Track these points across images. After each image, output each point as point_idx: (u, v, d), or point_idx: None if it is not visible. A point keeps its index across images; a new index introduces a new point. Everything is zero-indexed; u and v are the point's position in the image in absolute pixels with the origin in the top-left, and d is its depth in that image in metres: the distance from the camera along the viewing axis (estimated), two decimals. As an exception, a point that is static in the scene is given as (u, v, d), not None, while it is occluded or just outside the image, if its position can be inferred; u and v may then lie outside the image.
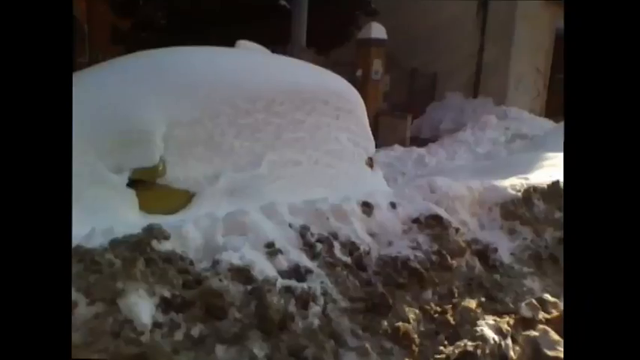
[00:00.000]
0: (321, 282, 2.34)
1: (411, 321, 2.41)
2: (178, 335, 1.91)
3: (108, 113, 3.03)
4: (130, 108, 3.07)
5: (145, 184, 3.00)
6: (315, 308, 2.20)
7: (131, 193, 2.92)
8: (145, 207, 2.96)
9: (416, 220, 2.94)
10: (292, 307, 2.16)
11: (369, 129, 4.27)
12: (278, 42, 7.09)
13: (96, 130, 2.94)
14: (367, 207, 2.86)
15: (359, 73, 9.33)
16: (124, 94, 3.17)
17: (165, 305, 1.95)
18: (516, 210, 3.30)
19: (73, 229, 2.43)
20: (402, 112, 9.58)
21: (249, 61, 4.14)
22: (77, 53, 8.96)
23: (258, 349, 1.98)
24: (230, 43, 4.59)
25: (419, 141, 8.99)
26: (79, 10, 9.81)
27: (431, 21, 10.88)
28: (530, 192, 3.45)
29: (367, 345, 2.17)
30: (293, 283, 2.27)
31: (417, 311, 2.49)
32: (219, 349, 1.94)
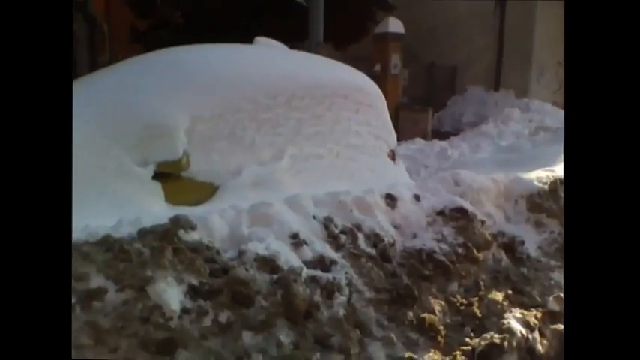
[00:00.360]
0: (346, 272, 2.34)
1: (437, 312, 2.40)
2: (206, 321, 1.94)
3: (133, 109, 3.07)
4: (154, 104, 3.11)
5: (170, 177, 3.04)
6: (341, 298, 2.20)
7: (157, 186, 2.96)
8: (170, 199, 3.00)
9: (440, 213, 2.92)
10: (318, 297, 2.17)
11: (390, 122, 4.25)
12: (295, 38, 7.10)
13: (121, 126, 2.99)
14: (391, 199, 2.86)
15: (377, 67, 9.29)
16: (148, 90, 3.21)
17: (192, 292, 1.98)
18: (543, 203, 3.26)
19: (102, 220, 2.49)
20: (423, 105, 9.52)
21: (268, 57, 4.16)
22: (98, 52, 9.09)
23: (285, 336, 1.99)
24: (248, 40, 4.61)
25: (440, 134, 8.91)
26: (99, 9, 9.96)
27: (449, 14, 10.77)
28: (557, 184, 3.41)
29: (393, 335, 2.17)
30: (318, 273, 2.28)
31: (443, 303, 2.48)
32: (246, 336, 1.95)
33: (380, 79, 7.68)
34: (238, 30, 7.73)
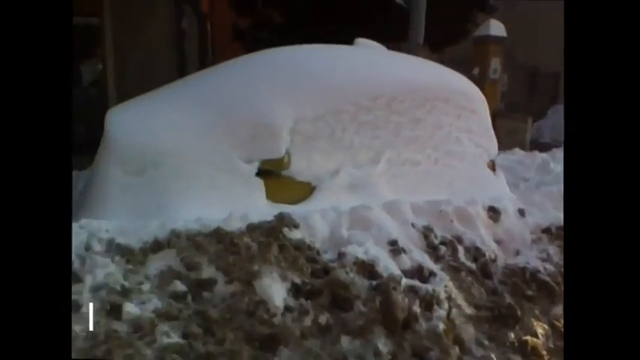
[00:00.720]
0: (445, 286, 2.28)
1: (540, 336, 2.27)
2: (307, 321, 1.97)
3: (242, 108, 3.20)
4: (261, 103, 3.22)
5: (272, 174, 3.15)
6: (440, 312, 2.15)
7: (259, 182, 3.08)
8: (271, 196, 3.11)
9: (546, 230, 2.76)
10: (416, 308, 2.13)
11: (492, 130, 4.08)
12: (394, 39, 7.03)
13: (230, 123, 3.13)
14: (494, 212, 2.74)
15: (475, 71, 8.96)
16: (256, 90, 3.33)
17: (295, 291, 2.03)
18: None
19: (209, 212, 2.63)
20: (522, 113, 9.04)
21: (369, 58, 4.15)
22: (203, 50, 9.57)
23: (383, 344, 1.98)
24: (346, 41, 4.63)
25: (539, 145, 8.41)
26: (204, 8, 10.49)
27: (554, 17, 10.13)
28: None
29: (493, 356, 2.08)
30: (417, 283, 2.24)
31: (546, 326, 2.34)
32: (345, 340, 1.97)
33: (478, 84, 7.38)
34: (337, 31, 7.80)
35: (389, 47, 5.22)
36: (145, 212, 2.62)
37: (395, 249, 2.36)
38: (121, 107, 3.32)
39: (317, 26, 8.38)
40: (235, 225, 2.24)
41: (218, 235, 2.15)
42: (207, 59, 6.77)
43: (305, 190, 3.23)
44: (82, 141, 6.63)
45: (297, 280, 2.04)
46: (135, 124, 3.08)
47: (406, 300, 2.11)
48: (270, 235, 2.16)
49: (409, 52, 6.20)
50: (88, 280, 1.96)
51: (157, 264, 2.09)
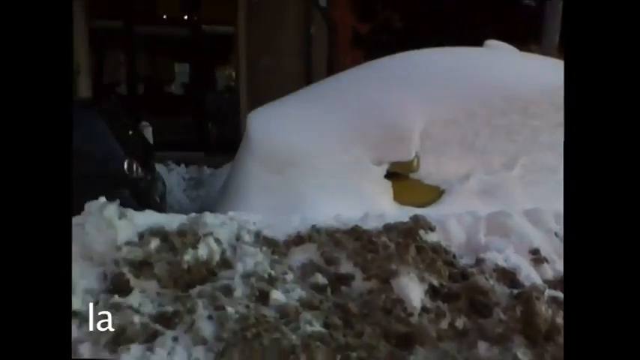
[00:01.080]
0: (593, 300, 2.12)
1: None
2: (443, 324, 1.96)
3: (374, 111, 3.27)
4: (392, 106, 3.26)
5: (400, 177, 3.17)
6: (587, 327, 2.00)
7: (388, 184, 3.13)
8: (398, 198, 3.13)
9: None
10: (559, 320, 2.01)
11: None
12: (524, 41, 6.66)
13: (362, 126, 3.21)
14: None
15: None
16: (387, 93, 3.38)
17: (432, 292, 2.03)
18: None
19: (342, 210, 2.72)
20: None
21: (502, 60, 3.99)
22: (331, 56, 9.80)
23: (522, 354, 1.90)
24: (475, 43, 4.49)
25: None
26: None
27: None
28: None
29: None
30: (560, 294, 2.12)
31: None
32: (482, 346, 1.92)
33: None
34: (456, 33, 7.59)
35: (520, 49, 4.98)
36: (282, 208, 2.79)
37: (537, 258, 2.25)
38: (261, 109, 3.57)
39: (437, 29, 8.23)
40: (372, 224, 2.30)
41: (356, 232, 2.22)
42: (336, 65, 6.97)
43: (433, 194, 3.20)
44: (215, 141, 7.24)
45: (435, 283, 2.04)
46: (274, 126, 3.29)
47: (549, 311, 2.01)
48: (408, 236, 2.18)
49: (542, 53, 5.84)
50: (239, 268, 2.14)
51: (299, 256, 2.22)
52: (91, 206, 2.23)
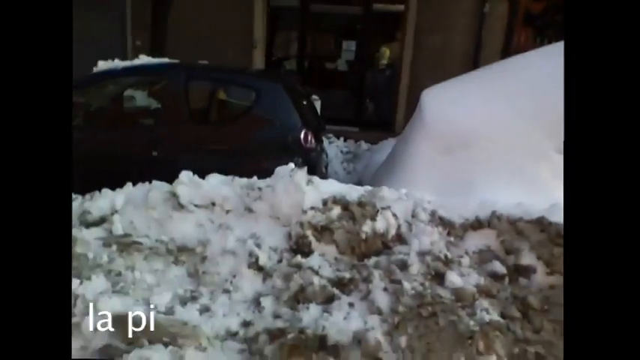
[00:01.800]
0: None
1: None
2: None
3: (555, 95, 2.99)
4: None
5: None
6: None
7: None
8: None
9: None
10: None
11: None
12: None
13: (544, 111, 2.97)
14: None
15: None
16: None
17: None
18: None
19: (515, 198, 2.56)
20: None
21: None
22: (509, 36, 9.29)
23: None
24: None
25: None
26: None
27: None
28: None
29: None
30: None
31: None
32: None
33: None
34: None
35: None
36: (450, 189, 2.73)
37: None
38: (436, 88, 3.50)
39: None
40: (561, 217, 2.13)
41: (541, 224, 2.09)
42: (511, 45, 6.53)
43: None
44: (371, 118, 7.32)
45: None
46: (448, 105, 3.20)
47: None
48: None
49: None
50: (415, 244, 2.16)
51: (475, 241, 2.16)
52: (280, 171, 2.42)
